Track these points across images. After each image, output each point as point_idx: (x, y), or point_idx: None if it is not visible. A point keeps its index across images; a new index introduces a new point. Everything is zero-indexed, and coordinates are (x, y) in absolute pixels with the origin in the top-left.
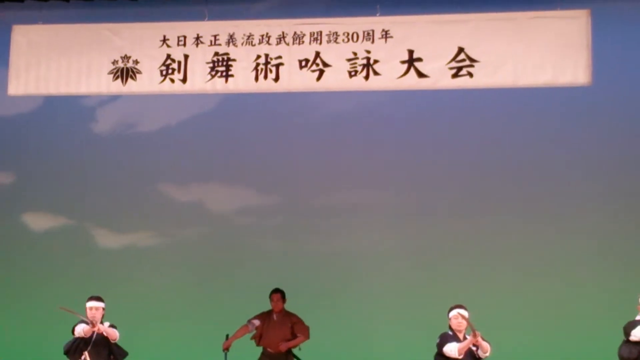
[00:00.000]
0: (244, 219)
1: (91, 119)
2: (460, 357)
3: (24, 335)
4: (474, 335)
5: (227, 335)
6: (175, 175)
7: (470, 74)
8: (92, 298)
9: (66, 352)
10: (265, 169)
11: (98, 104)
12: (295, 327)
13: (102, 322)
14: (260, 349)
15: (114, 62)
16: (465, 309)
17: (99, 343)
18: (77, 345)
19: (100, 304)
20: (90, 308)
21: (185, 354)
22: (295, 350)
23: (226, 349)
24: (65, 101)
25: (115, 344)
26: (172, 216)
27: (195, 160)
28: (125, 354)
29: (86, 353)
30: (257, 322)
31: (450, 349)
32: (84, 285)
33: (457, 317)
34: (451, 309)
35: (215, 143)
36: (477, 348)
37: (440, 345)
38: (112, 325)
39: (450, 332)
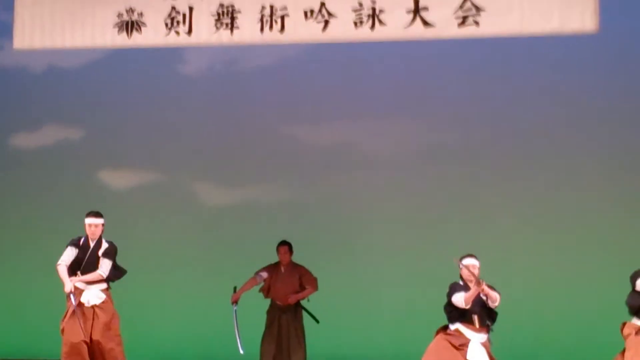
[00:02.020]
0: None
1: (177, 61)
2: (468, 306)
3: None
4: (478, 284)
5: (235, 288)
6: (303, 113)
7: (476, 23)
8: (90, 214)
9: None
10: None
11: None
12: (304, 279)
13: (101, 238)
14: (268, 301)
15: (119, 14)
16: (476, 258)
17: (90, 265)
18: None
19: (100, 220)
20: (90, 225)
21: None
22: (304, 302)
23: (234, 302)
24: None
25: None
26: (305, 164)
27: (325, 96)
28: (122, 273)
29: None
30: (264, 274)
31: (458, 298)
32: (190, 243)
33: (466, 267)
34: (461, 258)
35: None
36: (487, 297)
37: (450, 295)
38: (108, 242)
39: (461, 282)
